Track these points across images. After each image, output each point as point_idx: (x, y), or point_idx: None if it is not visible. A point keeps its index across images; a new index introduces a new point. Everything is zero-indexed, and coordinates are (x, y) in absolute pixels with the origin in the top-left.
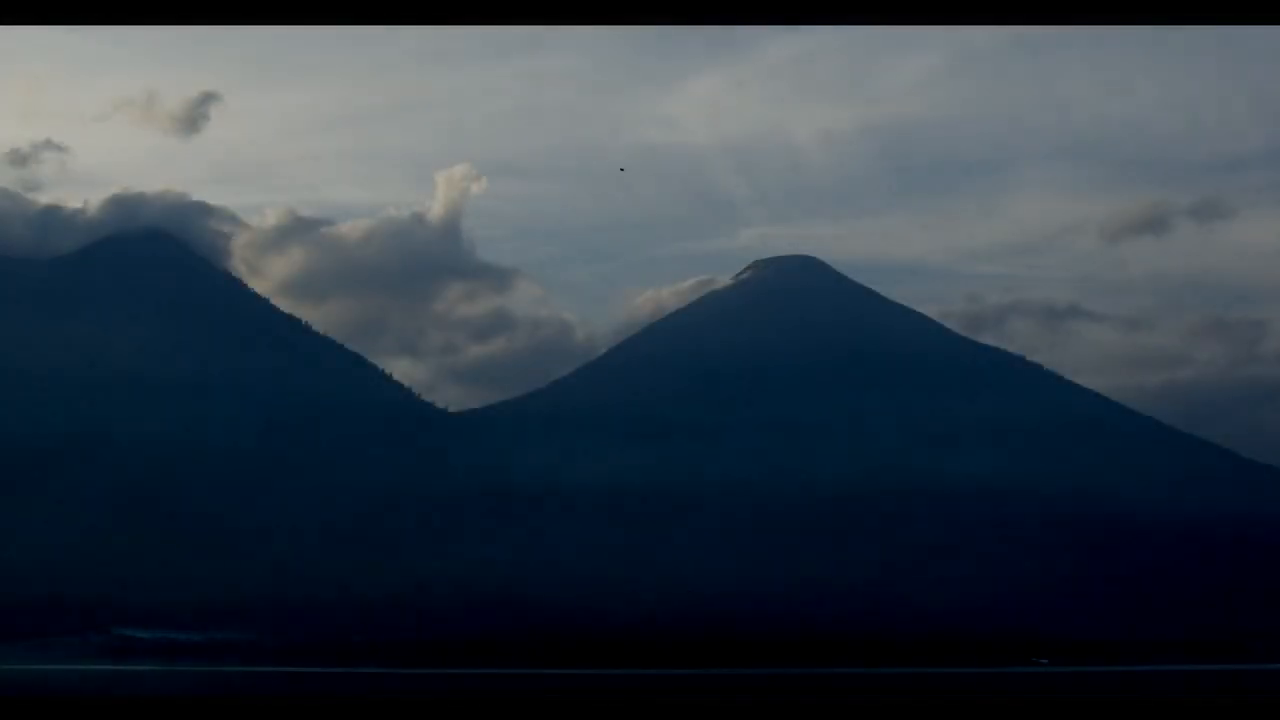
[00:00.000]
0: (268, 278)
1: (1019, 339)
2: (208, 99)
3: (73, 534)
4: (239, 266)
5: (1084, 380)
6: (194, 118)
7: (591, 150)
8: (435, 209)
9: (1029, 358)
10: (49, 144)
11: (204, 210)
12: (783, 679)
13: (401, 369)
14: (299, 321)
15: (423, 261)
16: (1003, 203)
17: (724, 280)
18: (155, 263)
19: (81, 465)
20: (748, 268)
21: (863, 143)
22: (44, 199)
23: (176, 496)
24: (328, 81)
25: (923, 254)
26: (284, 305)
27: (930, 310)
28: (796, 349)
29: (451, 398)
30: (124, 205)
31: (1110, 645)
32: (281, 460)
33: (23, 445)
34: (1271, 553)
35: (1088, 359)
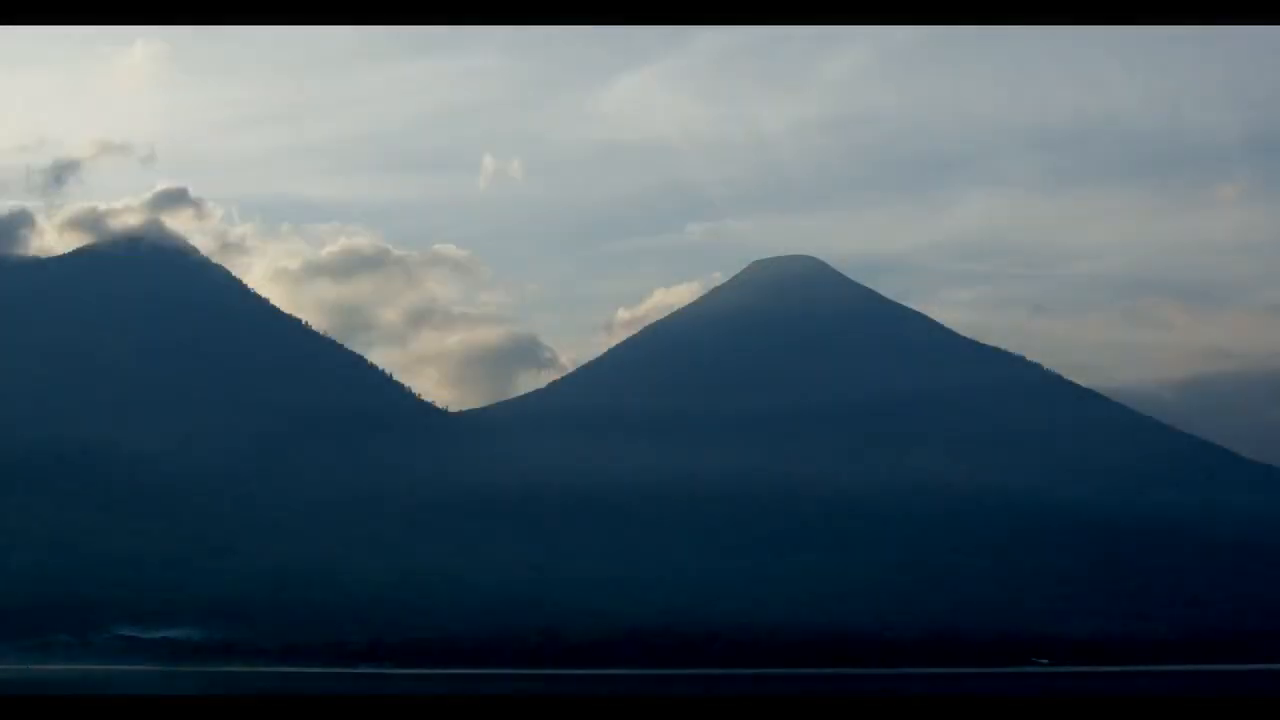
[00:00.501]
0: (262, 276)
1: (1013, 338)
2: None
3: (73, 534)
4: (234, 265)
5: (1081, 380)
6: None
7: (533, 146)
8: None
9: (1028, 357)
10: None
11: (194, 208)
12: (783, 679)
13: (398, 366)
14: (298, 321)
15: (404, 259)
16: (970, 197)
17: (716, 277)
18: (150, 262)
19: (81, 465)
20: (748, 267)
21: (818, 137)
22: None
23: (175, 496)
24: (261, 78)
25: (890, 249)
26: (282, 305)
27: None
28: (796, 349)
29: (451, 398)
30: (112, 205)
31: (1110, 645)
32: (281, 460)
33: (22, 445)
34: (1271, 553)
35: (1083, 358)
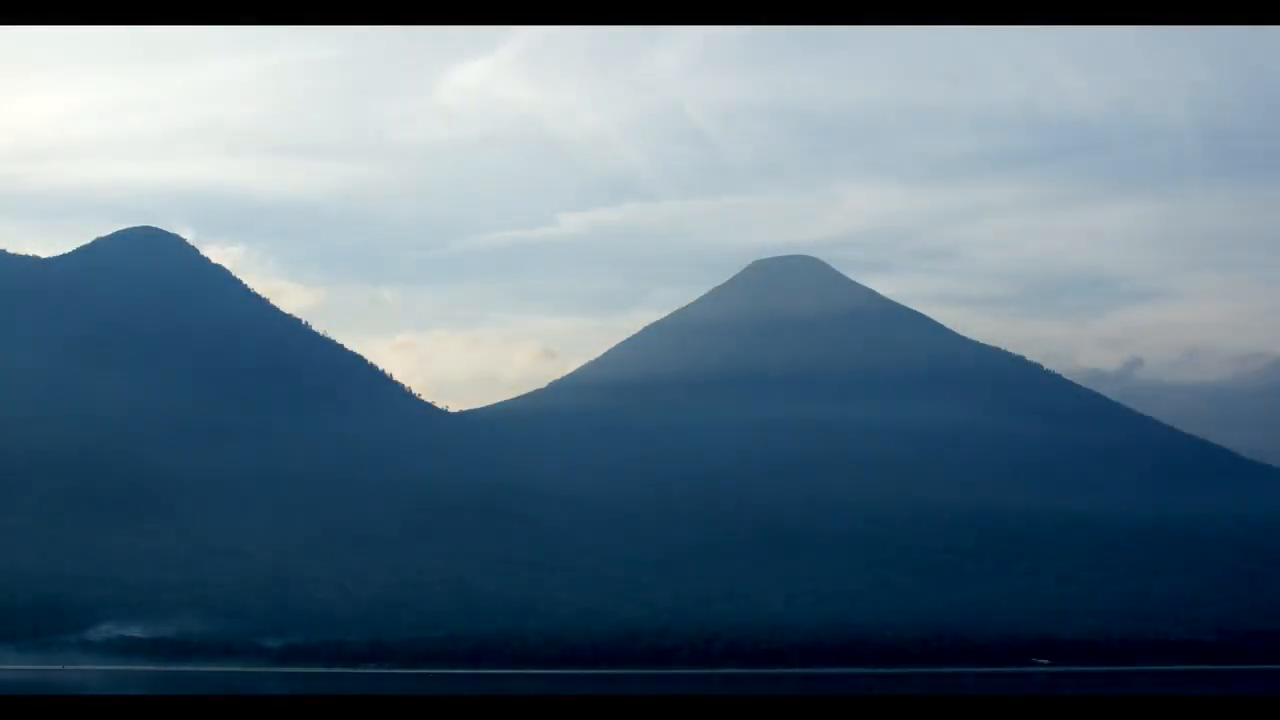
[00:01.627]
0: (257, 274)
1: (1007, 338)
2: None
3: (73, 534)
4: (231, 264)
5: (1080, 379)
6: None
7: (365, 142)
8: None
9: (1029, 358)
10: None
11: (185, 206)
12: (783, 679)
13: (397, 363)
14: (298, 321)
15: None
16: (854, 190)
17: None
18: (151, 261)
19: (81, 466)
20: (748, 267)
21: (720, 123)
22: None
23: (176, 496)
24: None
25: (792, 239)
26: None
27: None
28: (797, 349)
29: (451, 398)
30: (98, 202)
31: (1110, 645)
32: (281, 460)
33: (22, 445)
34: (1271, 553)
35: (1077, 357)
